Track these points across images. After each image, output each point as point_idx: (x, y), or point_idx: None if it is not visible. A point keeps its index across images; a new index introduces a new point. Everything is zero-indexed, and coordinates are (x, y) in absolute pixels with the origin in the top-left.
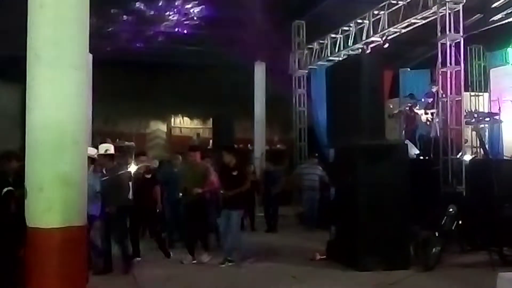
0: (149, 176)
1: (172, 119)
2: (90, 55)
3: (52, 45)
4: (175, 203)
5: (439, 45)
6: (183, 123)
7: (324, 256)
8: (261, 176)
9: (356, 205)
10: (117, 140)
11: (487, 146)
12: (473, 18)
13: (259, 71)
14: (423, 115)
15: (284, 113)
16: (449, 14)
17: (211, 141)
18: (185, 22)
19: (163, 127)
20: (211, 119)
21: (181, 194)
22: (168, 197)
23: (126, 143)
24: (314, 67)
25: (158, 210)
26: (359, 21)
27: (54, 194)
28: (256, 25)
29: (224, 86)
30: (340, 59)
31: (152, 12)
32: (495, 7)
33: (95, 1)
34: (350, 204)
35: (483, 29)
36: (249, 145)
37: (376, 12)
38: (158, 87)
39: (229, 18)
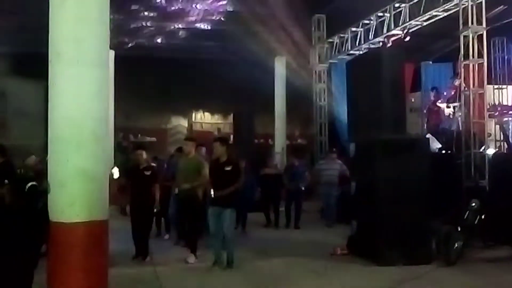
0: (148, 173)
1: (193, 115)
2: (112, 52)
3: (72, 43)
4: None
5: (461, 37)
6: (204, 119)
7: (345, 251)
8: (285, 170)
9: (377, 199)
10: (139, 135)
11: (511, 140)
12: (496, 9)
13: (280, 66)
14: (446, 109)
15: (304, 108)
16: (472, 6)
17: (232, 136)
18: (206, 18)
19: (184, 123)
20: (232, 114)
21: (176, 190)
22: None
23: (148, 138)
24: (335, 61)
25: (156, 210)
26: (380, 14)
27: (76, 189)
28: (276, 20)
29: (245, 81)
30: (361, 52)
31: (173, 8)
32: None
33: None
34: (370, 198)
35: (507, 21)
36: (269, 140)
37: (397, 5)
38: (179, 83)
39: (249, 13)
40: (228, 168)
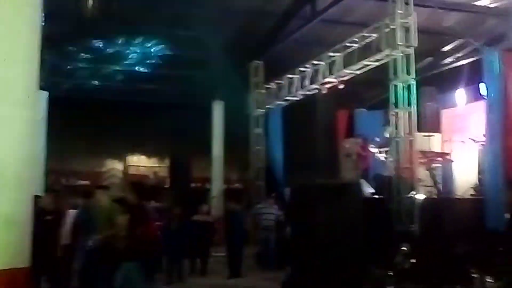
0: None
1: (129, 158)
2: (45, 92)
3: None
4: None
5: (392, 87)
6: (140, 162)
7: None
8: (225, 216)
9: (311, 244)
10: (71, 178)
11: (439, 186)
12: (425, 61)
13: (218, 110)
14: (378, 154)
15: (242, 152)
16: (401, 57)
17: (168, 180)
18: (144, 61)
19: (119, 166)
20: (168, 157)
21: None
22: None
23: (81, 182)
24: (272, 106)
25: None
26: (315, 62)
27: None
28: (215, 65)
29: (182, 125)
30: (297, 99)
31: (110, 50)
32: (446, 51)
33: (52, 38)
34: (305, 243)
35: (435, 71)
36: (207, 183)
37: (331, 54)
38: (115, 125)
39: (188, 58)
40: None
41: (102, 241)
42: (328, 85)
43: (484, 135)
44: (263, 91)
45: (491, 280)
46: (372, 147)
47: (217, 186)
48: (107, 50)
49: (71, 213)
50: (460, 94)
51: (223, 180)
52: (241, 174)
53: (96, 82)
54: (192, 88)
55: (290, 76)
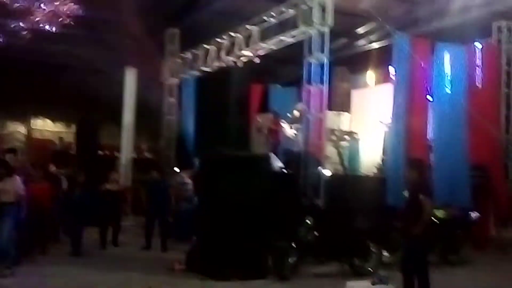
0: None
1: (33, 121)
2: None
3: None
4: None
5: (306, 64)
6: (45, 126)
7: (183, 266)
8: (145, 186)
9: (217, 215)
10: None
11: (345, 163)
12: (339, 41)
13: (130, 77)
14: (289, 130)
15: (153, 121)
16: (316, 35)
17: (74, 146)
18: (53, 20)
19: (21, 129)
20: (75, 123)
21: None
22: None
23: None
24: (186, 76)
25: None
26: (232, 34)
27: None
28: (129, 30)
29: (92, 90)
30: (212, 70)
31: (16, 4)
32: (359, 33)
33: None
34: (211, 214)
35: (348, 52)
36: (115, 152)
37: (248, 27)
38: (19, 86)
39: (101, 19)
40: None
41: None
42: (244, 58)
43: (390, 117)
44: (178, 60)
45: (387, 254)
46: (283, 122)
47: (126, 155)
48: (13, 4)
49: None
50: (370, 76)
51: (132, 149)
52: (152, 144)
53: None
54: (104, 52)
55: (207, 46)
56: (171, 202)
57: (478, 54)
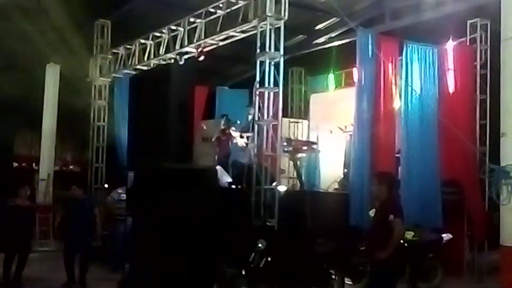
0: None
1: None
2: None
3: None
4: None
5: (258, 63)
6: None
7: None
8: (63, 206)
9: (154, 238)
10: None
11: (303, 177)
12: (296, 38)
13: (52, 75)
14: (239, 139)
15: (79, 128)
16: (270, 30)
17: None
18: None
19: None
20: None
21: None
22: None
23: None
24: (119, 75)
25: None
26: (173, 27)
27: None
28: (51, 20)
29: (5, 90)
30: (149, 68)
31: None
32: (319, 29)
33: None
34: (147, 237)
35: (306, 51)
36: (33, 164)
37: (192, 19)
38: None
39: (18, 7)
40: None
41: None
42: (186, 56)
43: (353, 125)
44: (109, 56)
45: (350, 282)
46: (232, 130)
47: (46, 167)
48: None
49: None
50: (331, 78)
51: (54, 160)
52: (77, 154)
53: None
54: (20, 46)
55: (143, 41)
56: (95, 226)
57: (451, 56)
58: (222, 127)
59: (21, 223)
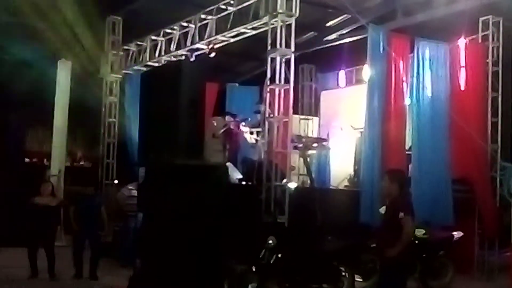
0: None
1: None
2: None
3: None
4: None
5: (269, 59)
6: None
7: None
8: (74, 201)
9: (165, 234)
10: None
11: (313, 174)
12: (307, 35)
13: (63, 71)
14: (249, 136)
15: (90, 124)
16: (281, 26)
17: None
18: None
19: None
20: None
21: None
22: None
23: None
24: (130, 72)
25: None
26: (184, 24)
27: None
28: (62, 16)
29: (16, 86)
30: (161, 65)
31: None
32: (330, 26)
33: None
34: (158, 233)
35: (316, 48)
36: (45, 159)
37: (203, 16)
38: None
39: (29, 4)
40: None
41: None
42: (197, 52)
43: (363, 122)
44: (121, 52)
45: (360, 279)
46: (243, 127)
47: (58, 163)
48: None
49: None
50: (342, 75)
51: (65, 157)
52: (88, 150)
53: None
54: (33, 42)
55: (154, 37)
56: (103, 221)
57: (462, 53)
58: (232, 123)
59: (46, 220)
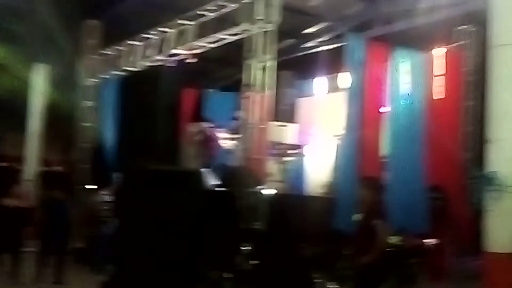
0: None
1: None
2: None
3: None
4: None
5: (247, 66)
6: None
7: None
8: (41, 207)
9: (139, 240)
10: None
11: (289, 181)
12: (285, 42)
13: (39, 75)
14: (226, 142)
15: (66, 129)
16: (260, 34)
17: None
18: None
19: None
20: None
21: None
22: None
23: None
24: (107, 76)
25: None
26: (163, 29)
27: None
28: (39, 19)
29: None
30: (138, 70)
31: None
32: (308, 33)
33: None
34: (132, 239)
35: (295, 55)
36: (19, 164)
37: (182, 22)
38: None
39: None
40: None
41: None
42: (176, 58)
43: (341, 129)
44: (98, 57)
45: (335, 286)
46: (220, 133)
47: (31, 168)
48: None
49: None
50: (319, 82)
51: (40, 161)
52: (63, 155)
53: None
54: (8, 45)
55: (132, 42)
56: (72, 226)
57: (440, 62)
58: (210, 129)
59: (13, 223)
